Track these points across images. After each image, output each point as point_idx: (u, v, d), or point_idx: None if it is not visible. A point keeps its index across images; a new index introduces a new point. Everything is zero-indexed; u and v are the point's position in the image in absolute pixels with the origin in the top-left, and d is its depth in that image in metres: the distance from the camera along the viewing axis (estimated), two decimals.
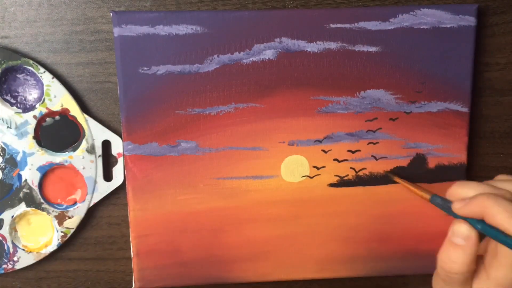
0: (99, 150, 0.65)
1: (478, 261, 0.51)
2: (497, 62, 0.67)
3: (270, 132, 0.64)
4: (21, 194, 0.65)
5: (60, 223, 0.65)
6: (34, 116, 0.63)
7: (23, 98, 0.64)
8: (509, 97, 0.68)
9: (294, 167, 0.66)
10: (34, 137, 0.63)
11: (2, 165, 0.64)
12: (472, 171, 0.70)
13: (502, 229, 0.46)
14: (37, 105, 0.63)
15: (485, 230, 0.48)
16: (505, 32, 0.67)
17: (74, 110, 0.63)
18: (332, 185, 0.67)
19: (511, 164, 0.71)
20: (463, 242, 0.49)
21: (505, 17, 0.66)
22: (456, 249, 0.50)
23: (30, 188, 0.65)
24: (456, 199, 0.51)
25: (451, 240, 0.50)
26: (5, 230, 0.65)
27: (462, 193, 0.52)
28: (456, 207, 0.50)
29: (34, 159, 0.64)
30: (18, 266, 0.66)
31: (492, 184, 0.52)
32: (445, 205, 0.53)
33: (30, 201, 0.65)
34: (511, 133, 0.70)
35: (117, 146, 0.65)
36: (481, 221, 0.48)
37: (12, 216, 0.65)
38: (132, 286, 0.69)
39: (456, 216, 0.51)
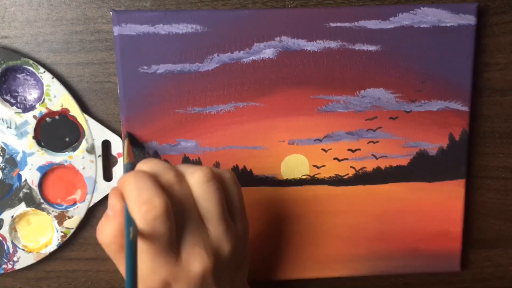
0: (99, 150, 0.65)
1: None
2: (497, 62, 0.67)
3: (270, 131, 0.64)
4: (21, 194, 0.64)
5: (60, 223, 0.65)
6: (34, 116, 0.63)
7: (23, 98, 0.64)
8: (509, 97, 0.68)
9: (294, 166, 0.66)
10: (34, 137, 0.63)
11: (2, 165, 0.64)
12: (472, 171, 0.70)
13: (129, 209, 0.48)
14: (37, 105, 0.63)
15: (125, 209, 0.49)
16: (505, 32, 0.67)
17: (74, 110, 0.63)
18: (332, 184, 0.67)
19: (511, 164, 0.71)
20: (111, 213, 0.50)
21: (505, 17, 0.66)
22: (106, 220, 0.50)
23: (30, 188, 0.64)
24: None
25: (106, 212, 0.51)
26: (5, 230, 0.65)
27: (140, 166, 0.52)
28: (117, 181, 0.52)
29: (34, 159, 0.64)
30: (18, 266, 0.66)
31: (177, 166, 0.53)
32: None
33: (30, 201, 0.65)
34: (511, 133, 0.70)
35: (117, 146, 0.65)
36: None
37: (12, 216, 0.65)
38: None
39: None
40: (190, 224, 0.50)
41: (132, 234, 0.45)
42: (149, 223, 0.47)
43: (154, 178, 0.49)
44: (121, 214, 0.49)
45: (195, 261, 0.49)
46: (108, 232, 0.50)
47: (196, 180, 0.51)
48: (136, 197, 0.47)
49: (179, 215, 0.50)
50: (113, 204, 0.50)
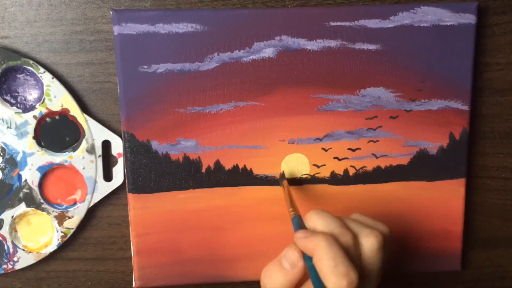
0: (99, 150, 0.65)
1: None
2: (497, 62, 0.68)
3: (270, 130, 0.64)
4: (21, 194, 0.64)
5: (60, 223, 0.65)
6: (34, 116, 0.63)
7: (23, 98, 0.64)
8: (509, 97, 0.69)
9: (294, 165, 0.66)
10: (34, 137, 0.63)
11: (2, 165, 0.64)
12: (472, 171, 0.70)
13: (321, 275, 0.48)
14: (37, 105, 0.63)
15: (310, 268, 0.50)
16: (505, 32, 0.67)
17: (74, 110, 0.63)
18: (332, 183, 0.67)
19: (511, 164, 0.71)
20: (289, 268, 0.52)
21: (505, 17, 0.66)
22: (280, 270, 0.52)
23: (30, 188, 0.64)
24: (308, 226, 0.54)
25: (280, 260, 0.53)
26: (5, 230, 0.65)
27: (311, 222, 0.54)
28: (297, 237, 0.52)
29: (34, 159, 0.64)
30: (18, 266, 0.66)
31: (347, 221, 0.54)
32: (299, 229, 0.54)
33: (30, 201, 0.65)
34: (511, 133, 0.70)
35: (117, 146, 0.65)
36: (310, 261, 0.50)
37: (12, 216, 0.65)
38: (132, 285, 0.69)
39: None
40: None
41: None
42: None
43: (341, 246, 0.50)
44: (300, 272, 0.51)
45: None
46: (278, 283, 0.52)
47: (369, 246, 0.52)
48: (334, 268, 0.48)
49: None
50: (294, 261, 0.52)
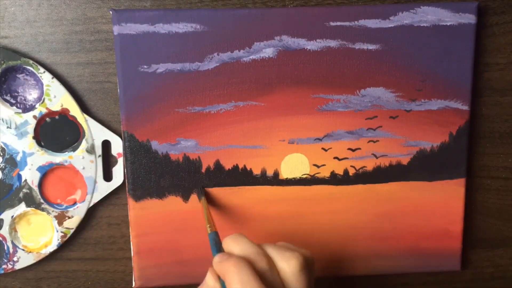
0: (99, 150, 0.65)
1: None
2: (497, 62, 0.67)
3: (270, 130, 0.64)
4: (21, 194, 0.64)
5: (60, 223, 0.65)
6: (34, 116, 0.63)
7: (23, 98, 0.64)
8: (509, 97, 0.69)
9: (294, 165, 0.66)
10: (34, 137, 0.63)
11: (2, 165, 0.64)
12: (472, 171, 0.70)
13: None
14: (37, 105, 0.63)
15: None
16: (505, 32, 0.67)
17: (74, 110, 0.63)
18: (332, 183, 0.67)
19: (511, 164, 0.71)
20: None
21: (505, 17, 0.66)
22: None
23: (30, 188, 0.64)
24: (225, 250, 0.54)
25: (203, 286, 0.53)
26: (5, 230, 0.65)
27: (227, 247, 0.54)
28: (214, 261, 0.53)
29: (34, 159, 0.64)
30: (18, 266, 0.66)
31: (265, 247, 0.54)
32: (215, 247, 0.55)
33: (30, 201, 0.65)
34: (511, 133, 0.70)
35: (117, 146, 0.65)
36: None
37: (12, 216, 0.65)
38: (132, 285, 0.69)
39: None
40: None
41: None
42: None
43: (256, 271, 0.50)
44: None
45: None
46: None
47: (291, 269, 0.52)
48: None
49: None
50: (211, 286, 0.52)
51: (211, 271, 0.53)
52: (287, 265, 0.51)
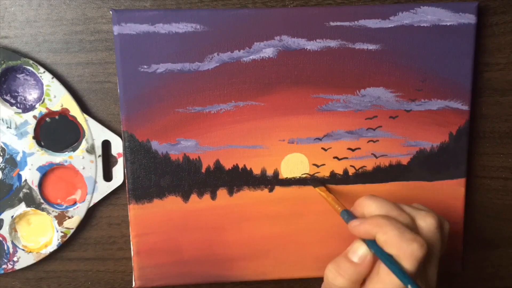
0: (99, 150, 0.65)
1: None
2: (497, 62, 0.68)
3: (270, 130, 0.64)
4: (21, 194, 0.64)
5: (60, 223, 0.65)
6: (34, 116, 0.63)
7: (23, 98, 0.64)
8: (509, 97, 0.69)
9: (294, 165, 0.66)
10: (34, 137, 0.63)
11: (2, 165, 0.64)
12: (472, 171, 0.70)
13: (390, 248, 0.49)
14: (37, 105, 0.63)
15: (376, 251, 0.50)
16: (505, 32, 0.67)
17: (74, 110, 0.63)
18: (331, 183, 0.67)
19: (511, 164, 0.71)
20: (358, 261, 0.51)
21: (505, 17, 0.66)
22: (349, 264, 0.51)
23: (30, 188, 0.64)
24: (359, 213, 0.54)
25: (347, 255, 0.52)
26: (5, 230, 0.65)
27: (365, 207, 0.54)
28: (353, 225, 0.52)
29: (34, 159, 0.64)
30: (18, 266, 0.66)
31: (401, 206, 0.54)
32: (352, 218, 0.54)
33: (30, 201, 0.65)
34: (511, 133, 0.70)
35: (117, 146, 0.65)
36: (375, 244, 0.50)
37: (12, 216, 0.65)
38: (132, 285, 0.69)
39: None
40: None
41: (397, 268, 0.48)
42: (419, 260, 0.48)
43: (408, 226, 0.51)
44: (369, 264, 0.51)
45: None
46: (348, 277, 0.51)
47: (428, 226, 0.52)
48: (401, 235, 0.48)
49: None
50: (364, 252, 0.51)
51: (358, 240, 0.52)
52: (424, 222, 0.52)
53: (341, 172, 0.66)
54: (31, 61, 0.62)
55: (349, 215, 0.55)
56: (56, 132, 0.64)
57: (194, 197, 0.66)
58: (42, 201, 0.65)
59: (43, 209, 0.65)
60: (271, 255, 0.68)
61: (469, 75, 0.65)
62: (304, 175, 0.66)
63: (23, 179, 0.64)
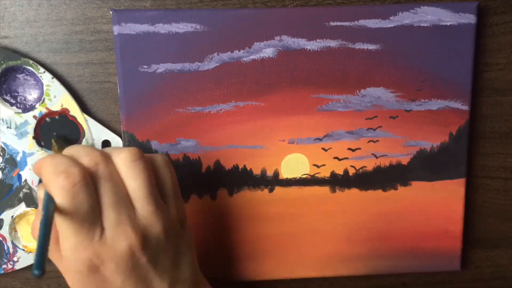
0: None
1: None
2: (497, 62, 0.67)
3: (270, 130, 0.64)
4: (21, 194, 0.64)
5: None
6: (34, 116, 0.63)
7: (23, 98, 0.64)
8: (509, 97, 0.68)
9: (294, 165, 0.66)
10: (34, 137, 0.63)
11: (2, 165, 0.64)
12: (472, 171, 0.70)
13: (45, 186, 0.47)
14: (37, 105, 0.63)
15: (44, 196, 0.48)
16: (505, 32, 0.67)
17: (74, 110, 0.63)
18: (332, 183, 0.67)
19: (511, 164, 0.71)
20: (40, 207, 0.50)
21: (505, 17, 0.66)
22: (38, 215, 0.50)
23: (30, 188, 0.64)
24: None
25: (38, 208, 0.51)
26: (5, 230, 0.65)
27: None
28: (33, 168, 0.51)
29: (34, 159, 0.64)
30: (18, 266, 0.66)
31: (104, 149, 0.53)
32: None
33: (30, 201, 0.65)
34: (511, 133, 0.70)
35: (117, 146, 0.65)
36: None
37: (12, 216, 0.65)
38: None
39: None
40: (115, 202, 0.49)
41: (50, 209, 0.45)
42: (67, 191, 0.46)
43: (73, 158, 0.49)
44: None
45: (121, 239, 0.48)
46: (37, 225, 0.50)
47: (123, 159, 0.51)
48: (53, 170, 0.47)
49: (105, 193, 0.49)
50: (40, 196, 0.51)
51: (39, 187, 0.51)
52: (119, 158, 0.51)
53: (341, 172, 0.66)
54: (31, 61, 0.62)
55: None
56: (56, 132, 0.64)
57: (194, 197, 0.66)
58: None
59: None
60: (271, 255, 0.68)
61: (469, 75, 0.65)
62: (304, 176, 0.66)
63: (23, 179, 0.64)
